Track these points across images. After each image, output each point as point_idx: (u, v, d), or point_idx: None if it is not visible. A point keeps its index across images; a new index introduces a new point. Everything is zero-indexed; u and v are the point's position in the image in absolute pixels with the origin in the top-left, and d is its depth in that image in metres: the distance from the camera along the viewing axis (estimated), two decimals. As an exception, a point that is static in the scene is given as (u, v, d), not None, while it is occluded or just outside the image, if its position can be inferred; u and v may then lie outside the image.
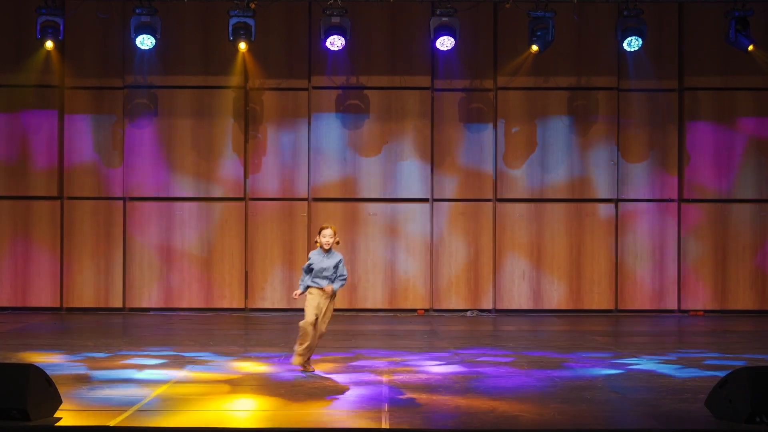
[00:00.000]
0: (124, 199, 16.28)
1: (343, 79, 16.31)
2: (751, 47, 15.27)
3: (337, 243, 10.44)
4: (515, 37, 16.00)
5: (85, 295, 16.28)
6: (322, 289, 10.26)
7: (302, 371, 10.20)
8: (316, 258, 10.35)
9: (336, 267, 10.31)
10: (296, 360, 10.27)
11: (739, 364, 10.60)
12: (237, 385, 9.63)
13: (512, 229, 16.37)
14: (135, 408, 8.45)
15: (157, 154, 16.27)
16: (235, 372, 10.37)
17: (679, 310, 16.41)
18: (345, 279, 10.42)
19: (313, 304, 10.23)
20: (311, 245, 16.04)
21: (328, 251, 10.33)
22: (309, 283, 10.33)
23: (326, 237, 10.33)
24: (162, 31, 15.20)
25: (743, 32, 15.04)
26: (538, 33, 15.22)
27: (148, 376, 10.04)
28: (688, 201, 16.42)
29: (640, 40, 15.12)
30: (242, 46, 15.36)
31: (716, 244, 16.42)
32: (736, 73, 16.22)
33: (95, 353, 11.58)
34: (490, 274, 16.35)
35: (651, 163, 16.40)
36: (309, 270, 10.36)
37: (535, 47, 15.43)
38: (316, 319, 10.22)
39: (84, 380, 9.71)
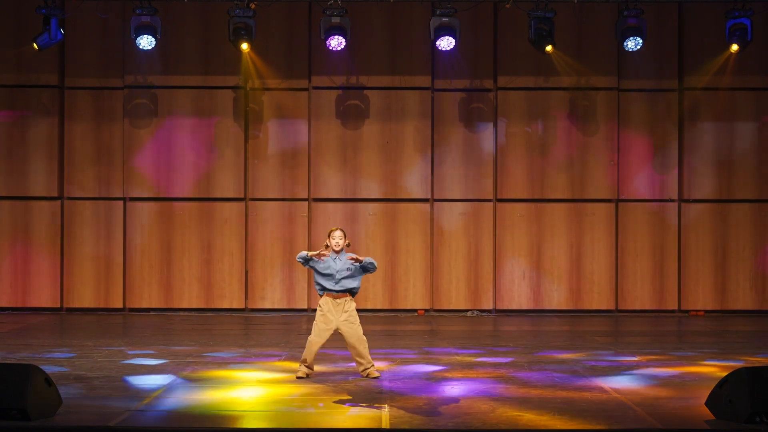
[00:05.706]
0: (124, 199, 16.28)
1: (343, 79, 16.31)
2: (734, 47, 15.23)
3: (348, 245, 10.14)
4: (515, 37, 15.99)
5: (85, 295, 16.27)
6: (334, 296, 9.96)
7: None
8: (328, 261, 10.01)
9: (349, 268, 9.95)
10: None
11: (739, 364, 10.60)
12: (237, 385, 9.63)
13: (512, 229, 16.37)
14: (135, 408, 8.46)
15: (157, 154, 16.26)
16: (235, 372, 10.37)
17: (679, 310, 16.40)
18: (370, 264, 10.01)
19: (321, 326, 9.96)
20: (311, 245, 16.06)
21: (339, 253, 10.03)
22: (310, 261, 9.99)
23: (336, 239, 10.03)
24: (162, 31, 15.17)
25: (737, 33, 15.02)
26: (545, 33, 15.15)
27: (147, 376, 10.05)
28: (688, 201, 16.42)
29: (640, 40, 15.10)
30: (242, 46, 15.34)
31: (716, 244, 16.41)
32: (736, 72, 16.21)
33: (95, 353, 11.59)
34: (490, 274, 16.35)
35: (651, 163, 16.40)
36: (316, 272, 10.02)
37: (549, 47, 15.34)
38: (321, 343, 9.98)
39: (84, 380, 9.71)
